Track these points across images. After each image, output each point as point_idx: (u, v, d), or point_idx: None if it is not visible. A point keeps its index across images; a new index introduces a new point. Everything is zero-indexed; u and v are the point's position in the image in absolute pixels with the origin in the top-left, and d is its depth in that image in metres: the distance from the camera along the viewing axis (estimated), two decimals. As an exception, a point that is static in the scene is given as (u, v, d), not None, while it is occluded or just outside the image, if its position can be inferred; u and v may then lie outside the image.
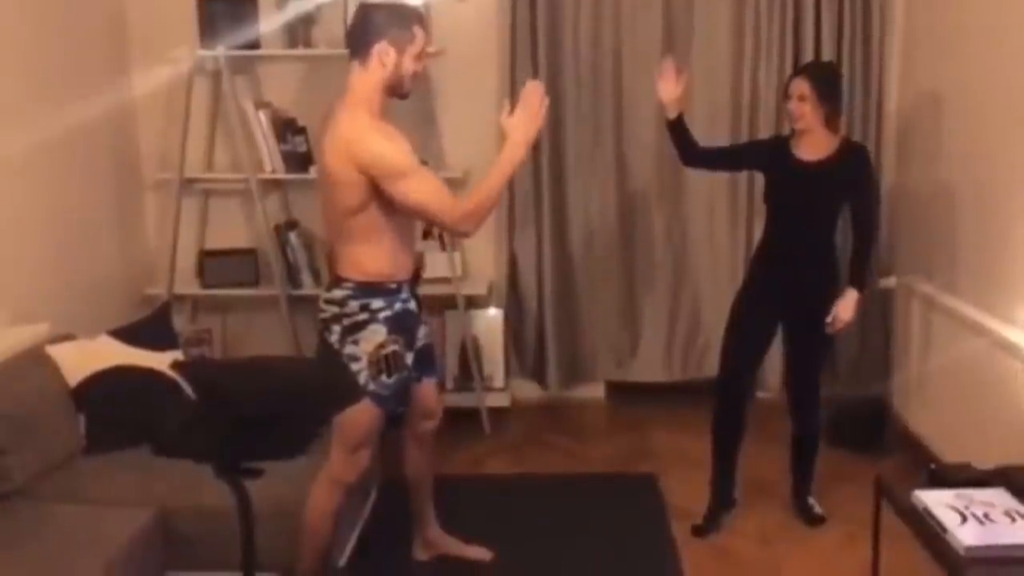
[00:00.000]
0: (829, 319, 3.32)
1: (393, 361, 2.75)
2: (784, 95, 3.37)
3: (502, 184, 2.73)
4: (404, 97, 2.78)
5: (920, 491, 2.55)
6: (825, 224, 3.39)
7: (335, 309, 2.76)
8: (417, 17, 2.73)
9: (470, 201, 2.72)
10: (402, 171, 2.63)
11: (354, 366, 2.73)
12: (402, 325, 2.79)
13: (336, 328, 2.75)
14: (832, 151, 3.32)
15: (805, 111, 3.26)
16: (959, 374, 3.58)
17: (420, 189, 2.65)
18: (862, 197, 3.38)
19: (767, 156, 3.50)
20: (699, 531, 3.52)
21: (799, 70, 3.46)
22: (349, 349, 2.74)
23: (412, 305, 2.86)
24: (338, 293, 2.76)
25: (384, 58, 2.67)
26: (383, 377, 2.74)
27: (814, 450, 3.58)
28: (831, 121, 3.33)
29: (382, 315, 2.74)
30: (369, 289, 2.74)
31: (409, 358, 2.82)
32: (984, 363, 3.37)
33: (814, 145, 3.33)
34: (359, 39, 2.69)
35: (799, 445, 3.58)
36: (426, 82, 4.42)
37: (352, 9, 4.14)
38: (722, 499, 3.59)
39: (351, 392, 2.74)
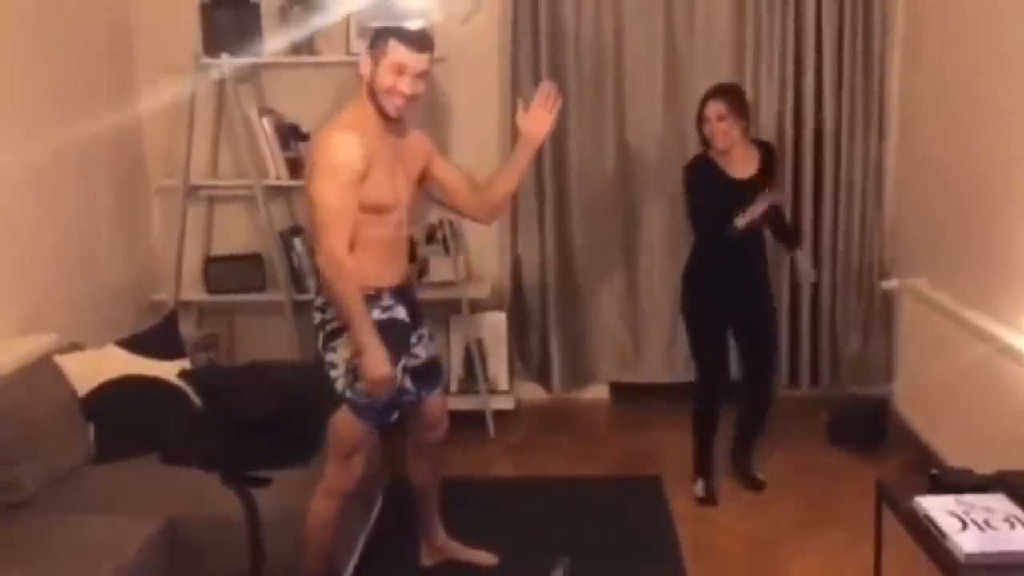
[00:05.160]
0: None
1: None
2: (699, 121, 3.54)
3: (513, 185, 3.01)
4: (389, 118, 2.74)
5: (921, 497, 2.56)
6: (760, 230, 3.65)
7: (320, 316, 2.81)
8: (399, 33, 2.72)
9: (346, 263, 2.65)
10: (325, 167, 2.62)
11: (332, 373, 2.76)
12: (385, 333, 2.74)
13: (321, 335, 2.80)
14: (758, 161, 3.60)
15: (726, 129, 3.46)
16: (962, 378, 3.57)
17: (326, 197, 2.63)
18: (775, 181, 3.80)
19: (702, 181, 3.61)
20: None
21: (710, 94, 3.55)
22: (329, 356, 2.77)
23: (399, 314, 2.85)
24: (319, 300, 2.81)
25: (363, 67, 2.73)
26: (359, 385, 2.72)
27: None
28: (746, 132, 3.57)
29: None
30: None
31: (398, 369, 2.82)
32: (987, 367, 3.36)
33: (742, 161, 3.56)
34: None
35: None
36: (430, 89, 4.43)
37: (356, 15, 4.24)
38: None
39: (331, 399, 2.75)
